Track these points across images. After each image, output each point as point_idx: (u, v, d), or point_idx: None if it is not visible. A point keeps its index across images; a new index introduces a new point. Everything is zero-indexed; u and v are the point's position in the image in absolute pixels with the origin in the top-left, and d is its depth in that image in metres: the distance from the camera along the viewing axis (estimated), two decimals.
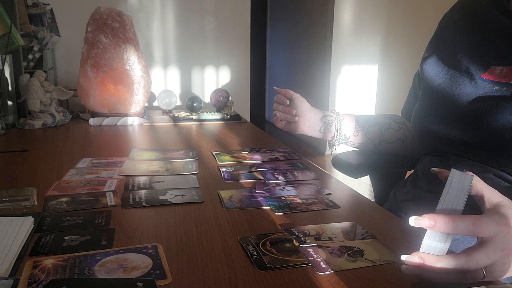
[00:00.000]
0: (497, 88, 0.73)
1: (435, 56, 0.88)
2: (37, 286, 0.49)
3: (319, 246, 0.60)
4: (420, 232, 0.67)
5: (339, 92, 4.19)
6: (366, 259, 0.57)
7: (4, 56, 1.35)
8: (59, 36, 3.26)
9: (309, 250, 0.59)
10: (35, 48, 2.83)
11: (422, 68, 0.91)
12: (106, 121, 1.47)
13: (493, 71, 0.75)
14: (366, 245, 0.61)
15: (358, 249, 0.60)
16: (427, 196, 0.83)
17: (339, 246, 0.61)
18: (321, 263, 0.56)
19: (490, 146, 0.73)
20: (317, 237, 0.63)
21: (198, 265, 0.55)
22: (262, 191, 0.82)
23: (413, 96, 0.98)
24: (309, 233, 0.65)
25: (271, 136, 1.36)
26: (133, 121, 1.49)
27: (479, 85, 0.76)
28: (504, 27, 0.75)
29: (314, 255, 0.58)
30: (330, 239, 0.63)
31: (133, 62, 1.45)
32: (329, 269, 0.54)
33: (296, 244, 0.61)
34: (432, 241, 0.51)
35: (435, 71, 0.86)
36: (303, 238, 0.63)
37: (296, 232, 0.65)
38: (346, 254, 0.58)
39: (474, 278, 0.50)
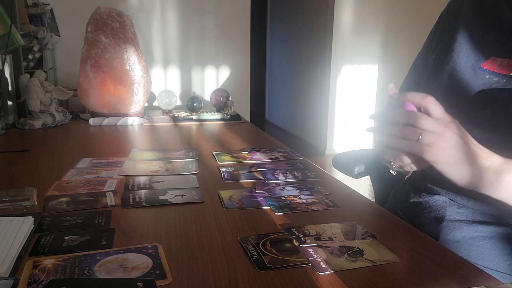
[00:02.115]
0: (496, 79, 0.73)
1: (439, 47, 0.88)
2: (37, 286, 0.49)
3: (319, 246, 0.60)
4: (419, 233, 0.67)
5: (339, 92, 4.19)
6: (366, 259, 0.57)
7: (4, 56, 1.35)
8: (59, 36, 3.26)
9: (309, 250, 0.59)
10: (35, 48, 2.83)
11: (426, 60, 0.91)
12: (106, 121, 1.47)
13: (493, 62, 0.75)
14: (366, 245, 0.61)
15: (358, 249, 0.60)
16: (426, 197, 0.83)
17: (339, 246, 0.61)
18: (321, 263, 0.56)
19: (490, 140, 0.72)
20: (317, 237, 0.63)
21: (198, 265, 0.55)
22: (262, 191, 0.82)
23: (411, 84, 0.97)
24: (309, 233, 0.65)
25: (271, 136, 1.36)
26: (133, 121, 1.49)
27: (479, 75, 0.76)
28: (509, 20, 0.75)
29: (314, 255, 0.58)
30: (330, 239, 0.63)
31: (133, 62, 1.45)
32: (329, 269, 0.54)
33: (296, 244, 0.61)
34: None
35: (438, 62, 0.86)
36: (303, 238, 0.63)
37: (296, 232, 0.65)
38: (346, 254, 0.58)
39: (410, 136, 0.63)
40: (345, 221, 0.70)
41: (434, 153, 0.64)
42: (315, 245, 0.61)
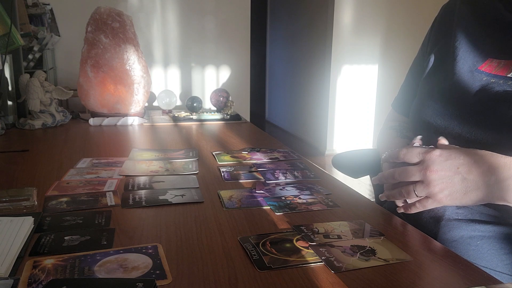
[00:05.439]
0: (493, 81, 0.73)
1: (435, 50, 0.88)
2: (37, 286, 0.49)
3: (331, 246, 0.60)
4: (418, 232, 0.67)
5: (339, 92, 4.19)
6: (378, 257, 0.57)
7: (4, 56, 1.35)
8: (59, 36, 3.26)
9: (321, 249, 0.59)
10: (35, 48, 2.83)
11: (422, 61, 0.91)
12: (106, 121, 1.47)
13: (491, 63, 0.75)
14: (377, 244, 0.62)
15: (370, 248, 0.60)
16: None
17: (351, 246, 0.61)
18: (335, 262, 0.56)
19: (487, 141, 0.72)
20: (326, 235, 0.63)
21: (198, 265, 0.55)
22: (262, 191, 0.82)
23: (409, 88, 0.97)
24: (318, 231, 0.65)
25: (271, 136, 1.36)
26: (133, 121, 1.49)
27: (476, 77, 0.76)
28: (505, 20, 0.75)
29: (327, 255, 0.58)
30: (339, 237, 0.63)
31: (133, 62, 1.45)
32: (343, 268, 0.54)
33: (297, 244, 0.61)
34: None
35: (435, 65, 0.86)
36: (312, 236, 0.63)
37: (305, 229, 0.65)
38: (358, 253, 0.58)
39: (409, 196, 0.67)
40: (353, 219, 0.70)
41: (441, 200, 0.66)
42: (328, 245, 0.61)
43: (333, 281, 0.52)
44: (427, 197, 0.67)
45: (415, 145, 0.72)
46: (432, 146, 0.69)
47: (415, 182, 0.67)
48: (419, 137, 0.76)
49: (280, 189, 0.84)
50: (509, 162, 0.62)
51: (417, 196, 0.67)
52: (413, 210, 0.69)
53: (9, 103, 1.40)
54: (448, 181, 0.64)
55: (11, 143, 1.22)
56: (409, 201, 0.70)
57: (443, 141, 0.72)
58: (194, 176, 0.92)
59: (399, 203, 0.73)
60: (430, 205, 0.67)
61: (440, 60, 0.85)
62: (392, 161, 0.73)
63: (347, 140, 4.30)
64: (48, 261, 0.54)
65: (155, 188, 0.83)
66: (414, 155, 0.68)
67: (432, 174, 0.65)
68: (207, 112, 1.61)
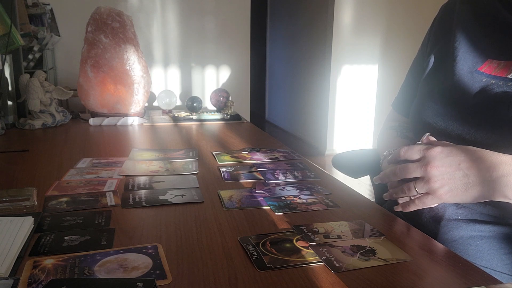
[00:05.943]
0: (493, 82, 0.73)
1: (435, 51, 0.88)
2: (37, 286, 0.49)
3: (331, 246, 0.60)
4: (418, 232, 0.67)
5: (339, 92, 4.19)
6: (378, 257, 0.57)
7: (4, 56, 1.35)
8: (59, 36, 3.26)
9: (321, 249, 0.59)
10: (35, 48, 2.83)
11: (422, 61, 0.91)
12: (106, 121, 1.47)
13: (490, 64, 0.75)
14: (377, 244, 0.61)
15: (370, 249, 0.60)
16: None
17: (351, 246, 0.61)
18: (335, 262, 0.56)
19: (487, 142, 0.72)
20: (326, 235, 0.63)
21: (198, 265, 0.55)
22: (262, 191, 0.82)
23: (409, 88, 0.97)
24: (318, 231, 0.65)
25: (271, 136, 1.36)
26: (133, 121, 1.49)
27: (476, 78, 0.76)
28: (505, 21, 0.75)
29: (327, 255, 0.58)
30: (339, 237, 0.63)
31: (133, 62, 1.45)
32: (343, 268, 0.54)
33: (297, 244, 0.61)
34: None
35: (435, 66, 0.86)
36: (312, 236, 0.63)
37: (305, 229, 0.65)
38: (358, 253, 0.58)
39: (410, 193, 0.68)
40: (353, 219, 0.70)
41: (442, 196, 0.66)
42: (328, 245, 0.61)
43: (333, 281, 0.52)
44: (427, 194, 0.67)
45: (423, 141, 0.73)
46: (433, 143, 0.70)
47: (416, 179, 0.67)
48: (427, 134, 0.76)
49: (280, 189, 0.84)
50: (510, 159, 0.63)
51: (418, 193, 0.67)
52: (412, 208, 0.69)
53: (9, 103, 1.40)
54: (449, 176, 0.64)
55: (11, 143, 1.22)
56: (408, 198, 0.70)
57: (431, 138, 0.74)
58: (194, 176, 0.92)
59: (401, 200, 0.73)
60: (430, 201, 0.67)
61: (440, 61, 0.85)
62: (395, 161, 0.73)
63: (347, 140, 4.30)
64: (48, 261, 0.54)
65: (155, 188, 0.83)
66: (414, 152, 0.68)
67: (433, 169, 0.65)
68: (207, 112, 1.61)
